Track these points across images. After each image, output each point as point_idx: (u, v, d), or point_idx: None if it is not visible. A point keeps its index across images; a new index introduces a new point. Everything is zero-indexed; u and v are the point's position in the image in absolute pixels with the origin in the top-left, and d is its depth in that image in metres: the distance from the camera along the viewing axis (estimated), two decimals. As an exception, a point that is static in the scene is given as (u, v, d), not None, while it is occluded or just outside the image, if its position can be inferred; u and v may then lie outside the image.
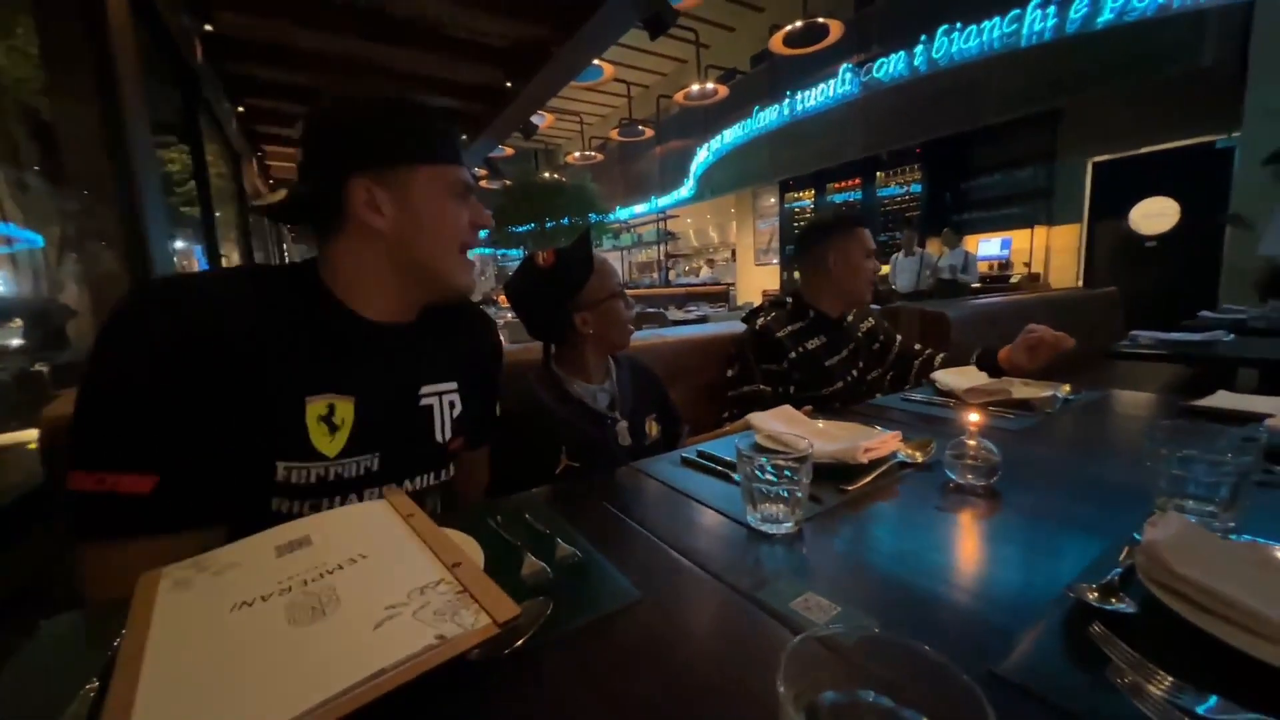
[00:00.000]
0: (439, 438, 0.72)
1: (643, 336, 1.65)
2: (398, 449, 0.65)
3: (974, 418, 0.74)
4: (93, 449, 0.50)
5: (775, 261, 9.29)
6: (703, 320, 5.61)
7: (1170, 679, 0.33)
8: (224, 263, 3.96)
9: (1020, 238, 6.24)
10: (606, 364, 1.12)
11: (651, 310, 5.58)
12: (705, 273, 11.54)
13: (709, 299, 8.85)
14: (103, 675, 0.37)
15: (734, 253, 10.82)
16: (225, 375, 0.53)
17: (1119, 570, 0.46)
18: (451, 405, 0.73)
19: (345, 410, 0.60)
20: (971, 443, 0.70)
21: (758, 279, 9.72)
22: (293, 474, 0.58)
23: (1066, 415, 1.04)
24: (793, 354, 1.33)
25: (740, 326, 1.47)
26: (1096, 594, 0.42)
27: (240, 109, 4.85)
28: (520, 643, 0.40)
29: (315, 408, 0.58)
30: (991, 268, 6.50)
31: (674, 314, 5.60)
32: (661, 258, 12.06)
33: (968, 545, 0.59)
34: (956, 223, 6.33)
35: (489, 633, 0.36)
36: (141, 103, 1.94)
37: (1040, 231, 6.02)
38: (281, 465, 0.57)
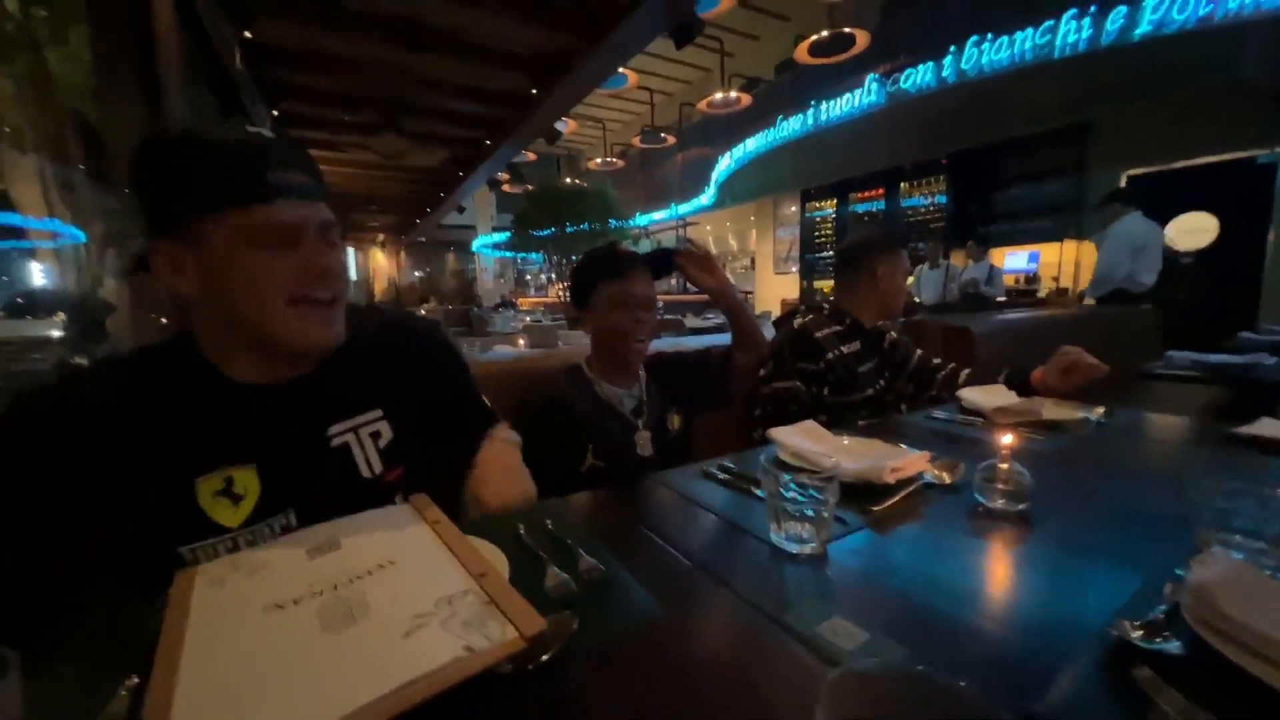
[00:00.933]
0: (366, 473, 0.65)
1: (661, 345, 1.65)
2: (314, 499, 0.59)
3: (1006, 439, 0.72)
4: None
5: (795, 270, 9.22)
6: (721, 328, 5.59)
7: (1222, 729, 0.32)
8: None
9: (1049, 251, 6.10)
10: (635, 369, 1.13)
11: (669, 317, 5.58)
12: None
13: (727, 307, 8.79)
14: (142, 670, 0.38)
15: (753, 260, 10.78)
16: (99, 483, 0.51)
17: (1163, 608, 0.44)
18: (375, 435, 0.66)
19: (247, 478, 0.57)
20: (1003, 466, 0.69)
21: (776, 287, 9.66)
22: (198, 553, 0.55)
23: (1100, 438, 1.01)
24: (830, 355, 1.35)
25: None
26: (1141, 632, 0.40)
27: (275, 113, 4.99)
28: (545, 657, 0.40)
29: (209, 484, 0.55)
30: (1018, 281, 6.36)
31: (691, 321, 5.59)
32: (680, 265, 12.05)
33: (998, 573, 0.58)
34: (982, 235, 6.21)
35: (515, 646, 0.36)
36: (184, 107, 2.01)
37: (1070, 245, 5.87)
38: (184, 549, 0.55)
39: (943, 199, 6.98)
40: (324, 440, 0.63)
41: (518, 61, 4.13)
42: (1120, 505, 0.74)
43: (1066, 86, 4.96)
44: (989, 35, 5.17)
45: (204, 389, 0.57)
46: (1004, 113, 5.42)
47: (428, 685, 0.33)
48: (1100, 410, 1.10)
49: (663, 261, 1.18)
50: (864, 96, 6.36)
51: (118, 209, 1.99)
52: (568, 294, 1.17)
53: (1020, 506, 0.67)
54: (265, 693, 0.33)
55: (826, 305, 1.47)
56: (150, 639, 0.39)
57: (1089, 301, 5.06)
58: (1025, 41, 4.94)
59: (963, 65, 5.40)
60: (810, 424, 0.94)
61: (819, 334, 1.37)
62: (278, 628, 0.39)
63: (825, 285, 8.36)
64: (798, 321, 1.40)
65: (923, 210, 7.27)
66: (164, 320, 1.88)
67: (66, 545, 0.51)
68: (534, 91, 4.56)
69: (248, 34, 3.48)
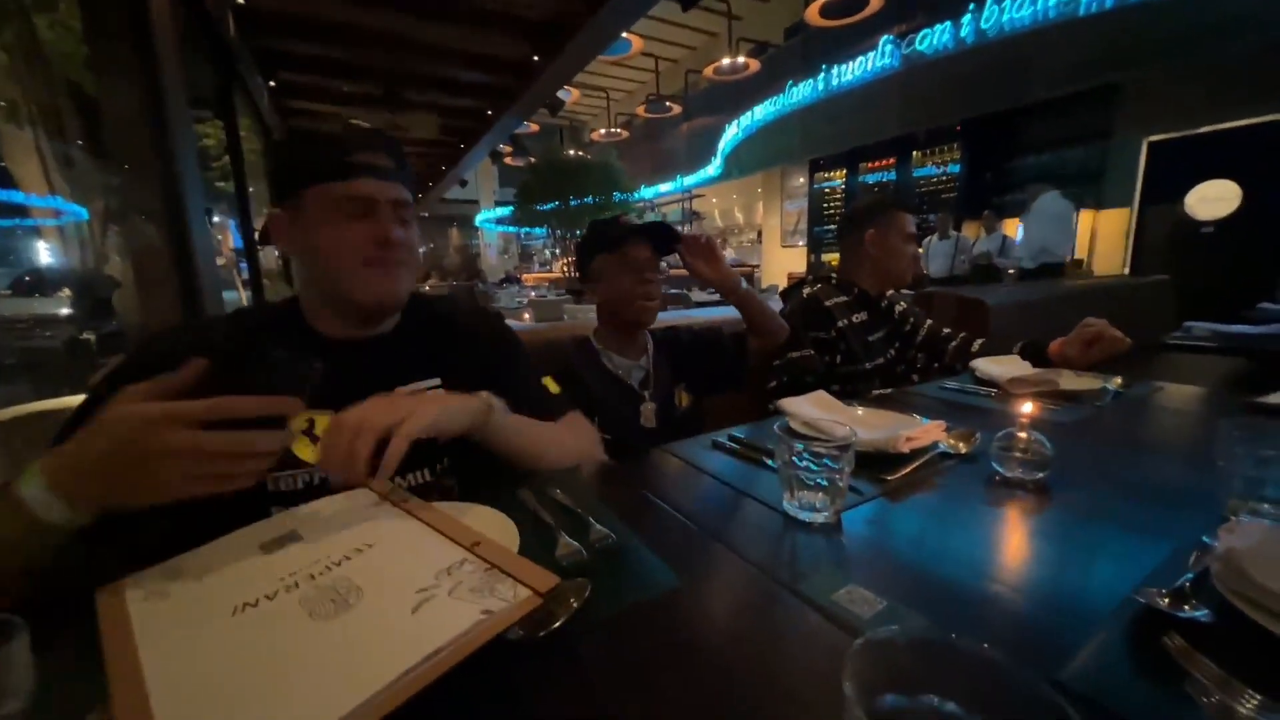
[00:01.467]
0: None
1: (667, 317, 1.63)
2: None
3: (1025, 408, 0.71)
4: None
5: (802, 244, 9.07)
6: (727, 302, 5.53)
7: (1258, 697, 0.31)
8: (256, 237, 4.03)
9: (1065, 222, 5.95)
10: (642, 341, 1.13)
11: (675, 292, 5.52)
12: (727, 254, 11.35)
13: (733, 281, 8.70)
14: (99, 705, 0.32)
15: (759, 234, 10.61)
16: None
17: (1189, 576, 0.43)
18: None
19: (324, 422, 0.62)
20: (1021, 435, 0.67)
21: (783, 261, 9.52)
22: (281, 481, 0.64)
23: (1118, 409, 0.99)
24: (841, 323, 1.35)
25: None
26: (1168, 600, 0.39)
27: (272, 84, 4.89)
28: (558, 624, 0.40)
29: (295, 423, 0.62)
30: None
31: (698, 295, 5.53)
32: (686, 238, 11.88)
33: (1017, 542, 0.57)
34: (997, 205, 6.06)
35: (533, 603, 0.35)
36: (179, 78, 1.95)
37: (1086, 215, 5.72)
38: (270, 476, 0.63)
39: (955, 168, 6.80)
40: None
41: (519, 26, 4.00)
42: (1141, 476, 0.72)
43: (1091, 47, 4.76)
44: (1010, -8, 4.94)
45: (298, 340, 0.68)
46: (1024, 76, 5.22)
47: (456, 651, 0.31)
48: (1118, 381, 1.08)
49: (665, 235, 1.14)
50: (877, 59, 6.15)
51: (118, 185, 1.96)
52: (573, 269, 1.16)
53: (1039, 476, 0.65)
54: (265, 693, 0.31)
55: (834, 275, 1.46)
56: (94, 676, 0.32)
57: (1010, 272, 5.13)
58: (1048, -2, 4.71)
59: (982, 24, 5.18)
60: (821, 394, 0.93)
61: (828, 303, 1.36)
62: (255, 626, 0.36)
63: (833, 258, 8.25)
64: (806, 291, 1.40)
65: (935, 180, 7.09)
66: (165, 295, 1.87)
67: None
68: (536, 58, 4.43)
69: (241, 0, 3.38)
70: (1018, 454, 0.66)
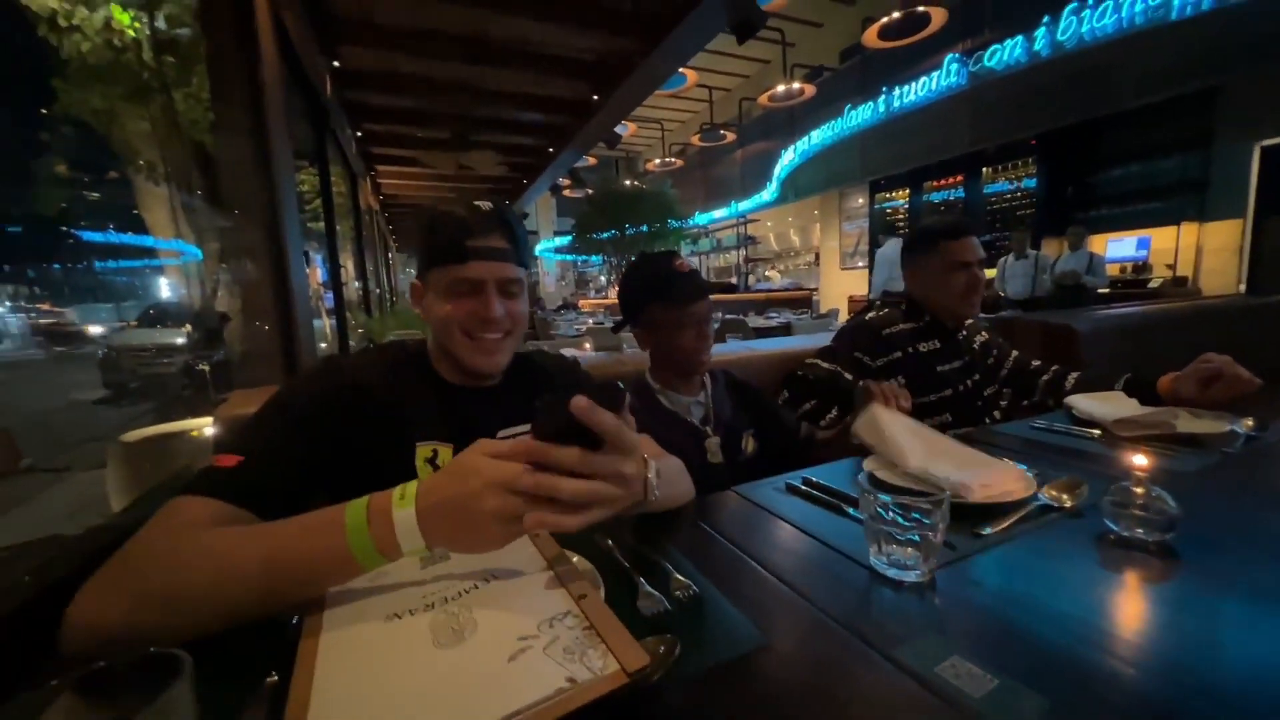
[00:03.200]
0: None
1: (727, 350, 1.62)
2: None
3: (1140, 460, 0.64)
4: (230, 440, 0.65)
5: (863, 265, 8.80)
6: (785, 328, 5.43)
7: None
8: (342, 273, 4.41)
9: (1162, 236, 5.45)
10: (700, 378, 1.12)
11: (730, 317, 5.48)
12: (775, 277, 11.17)
13: (791, 305, 8.56)
14: (280, 669, 0.41)
15: (817, 256, 10.40)
16: (359, 420, 0.69)
17: (1374, 673, 0.37)
18: None
19: (446, 454, 0.73)
20: (1139, 489, 0.61)
21: (843, 283, 9.26)
22: None
23: (1252, 456, 0.88)
24: (899, 354, 1.30)
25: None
26: (1350, 704, 0.34)
27: (358, 134, 5.38)
28: (651, 679, 0.39)
29: (423, 450, 0.72)
30: (1124, 270, 5.74)
31: (754, 320, 5.46)
32: (740, 263, 11.84)
33: (1144, 614, 0.51)
34: (1080, 220, 5.65)
35: (618, 681, 0.35)
36: (285, 135, 2.20)
37: (1189, 228, 5.22)
38: None
39: (1031, 183, 6.43)
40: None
41: (578, 68, 4.20)
42: (1289, 537, 0.63)
43: (1186, 50, 4.40)
44: (1089, 1, 4.68)
45: (428, 382, 0.78)
46: (1107, 84, 4.90)
47: (534, 717, 0.33)
48: (1249, 422, 0.96)
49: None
50: (942, 79, 5.97)
51: (230, 228, 2.20)
52: (619, 296, 1.17)
53: (1163, 536, 0.59)
54: (386, 707, 0.35)
55: (905, 302, 1.39)
56: (286, 639, 0.43)
57: (1102, 291, 4.71)
58: (1134, 4, 4.42)
59: (1059, 37, 4.93)
60: (911, 422, 0.88)
61: (888, 330, 1.32)
62: (396, 638, 0.41)
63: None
64: (870, 315, 1.37)
65: (1008, 196, 6.73)
66: (266, 328, 2.06)
67: (323, 465, 0.66)
68: (595, 97, 4.63)
69: (336, 63, 3.76)
70: (1136, 510, 0.60)
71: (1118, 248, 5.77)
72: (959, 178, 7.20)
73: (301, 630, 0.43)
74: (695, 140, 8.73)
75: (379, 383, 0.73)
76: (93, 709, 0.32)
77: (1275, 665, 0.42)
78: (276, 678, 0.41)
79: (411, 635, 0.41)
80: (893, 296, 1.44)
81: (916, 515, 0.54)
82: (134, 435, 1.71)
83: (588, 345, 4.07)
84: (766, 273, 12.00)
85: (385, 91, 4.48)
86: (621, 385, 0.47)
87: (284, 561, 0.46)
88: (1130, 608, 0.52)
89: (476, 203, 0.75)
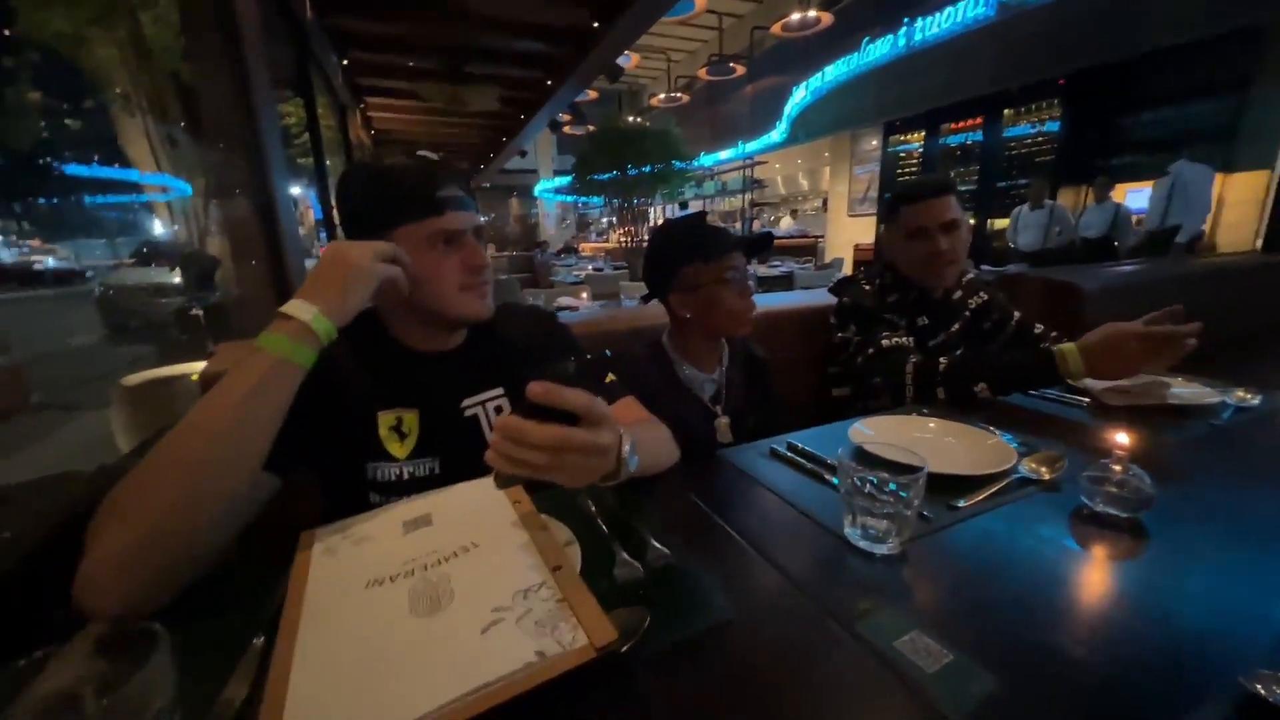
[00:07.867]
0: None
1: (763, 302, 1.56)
2: (454, 456, 0.73)
3: (1125, 434, 0.64)
4: None
5: (872, 212, 8.54)
6: (787, 277, 5.34)
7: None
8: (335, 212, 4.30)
9: (1183, 187, 5.23)
10: (718, 352, 1.08)
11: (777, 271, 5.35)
12: (787, 223, 10.87)
13: (794, 253, 8.38)
14: (267, 631, 0.43)
15: (825, 201, 10.08)
16: (329, 396, 0.68)
17: (1318, 660, 0.38)
18: (499, 409, 0.79)
19: (411, 420, 0.73)
20: (1117, 467, 0.61)
21: (850, 230, 9.03)
22: (378, 472, 0.71)
23: (1239, 428, 0.88)
24: (903, 329, 1.20)
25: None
26: (1288, 692, 0.35)
27: (345, 62, 5.06)
28: (618, 650, 0.41)
29: (386, 419, 0.72)
30: (1139, 223, 5.56)
31: (755, 268, 5.37)
32: (745, 207, 11.49)
33: (1106, 593, 0.52)
34: (1100, 169, 5.41)
35: (584, 657, 0.37)
36: (263, 62, 2.06)
37: (1218, 180, 5.00)
38: (369, 465, 0.70)
39: (1054, 126, 6.10)
40: (459, 410, 0.77)
41: (579, -8, 3.89)
42: (1264, 515, 0.64)
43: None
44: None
45: (388, 351, 0.76)
46: (1141, 20, 4.55)
47: (497, 693, 0.34)
48: (1242, 392, 0.95)
49: (765, 244, 1.11)
50: (969, 9, 5.54)
51: (216, 163, 2.10)
52: (641, 270, 1.09)
53: (1135, 514, 0.59)
54: (363, 675, 0.37)
55: (888, 272, 1.28)
56: (273, 601, 0.46)
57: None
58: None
59: (1098, -38, 4.53)
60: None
61: (888, 313, 1.22)
62: (374, 605, 0.43)
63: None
64: (846, 299, 1.26)
65: (1028, 140, 6.41)
66: (256, 266, 2.01)
67: (297, 437, 0.65)
68: (595, 25, 4.32)
69: (316, -19, 3.48)
70: (1112, 488, 0.60)
71: (1136, 198, 5.55)
72: (978, 120, 6.83)
73: (287, 589, 0.45)
74: (703, 74, 8.22)
75: (337, 353, 0.68)
76: (80, 670, 0.34)
77: (1227, 651, 0.43)
78: (263, 639, 0.43)
79: (388, 602, 0.43)
80: (873, 267, 1.31)
81: (893, 488, 0.54)
82: (135, 379, 1.73)
83: (585, 294, 4.02)
84: (780, 218, 11.63)
85: (371, 17, 4.18)
86: (610, 354, 0.47)
87: (229, 399, 0.51)
88: (1094, 586, 0.53)
89: (423, 153, 0.72)
